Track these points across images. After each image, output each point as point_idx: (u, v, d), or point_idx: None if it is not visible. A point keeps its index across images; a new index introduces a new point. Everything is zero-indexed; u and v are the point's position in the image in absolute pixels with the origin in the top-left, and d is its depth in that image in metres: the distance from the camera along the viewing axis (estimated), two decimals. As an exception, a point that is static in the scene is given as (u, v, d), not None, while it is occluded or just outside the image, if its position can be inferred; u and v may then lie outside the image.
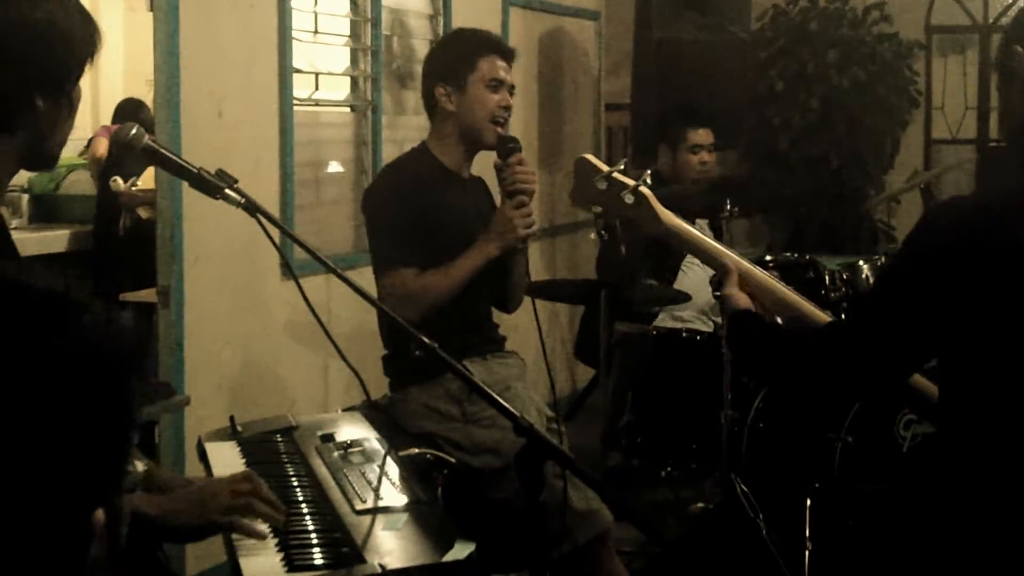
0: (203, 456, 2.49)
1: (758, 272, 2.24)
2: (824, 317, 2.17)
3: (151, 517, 1.93)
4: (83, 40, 1.77)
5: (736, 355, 2.98)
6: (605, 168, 2.36)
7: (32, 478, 0.91)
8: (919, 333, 1.88)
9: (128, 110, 6.49)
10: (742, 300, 2.17)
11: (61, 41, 1.74)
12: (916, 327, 1.87)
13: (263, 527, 1.98)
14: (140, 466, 2.07)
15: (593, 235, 3.22)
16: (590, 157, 2.42)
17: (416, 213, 3.24)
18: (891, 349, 1.90)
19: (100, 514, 0.95)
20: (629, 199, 2.29)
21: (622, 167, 2.38)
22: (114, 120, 6.57)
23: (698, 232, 2.37)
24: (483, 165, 3.46)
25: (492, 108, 3.31)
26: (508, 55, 3.41)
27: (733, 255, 2.31)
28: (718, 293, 4.30)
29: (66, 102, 1.79)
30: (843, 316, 4.14)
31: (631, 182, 2.32)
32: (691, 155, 4.92)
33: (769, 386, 3.73)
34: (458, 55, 3.35)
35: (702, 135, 4.94)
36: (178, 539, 2.03)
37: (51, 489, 0.92)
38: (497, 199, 3.42)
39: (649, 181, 2.34)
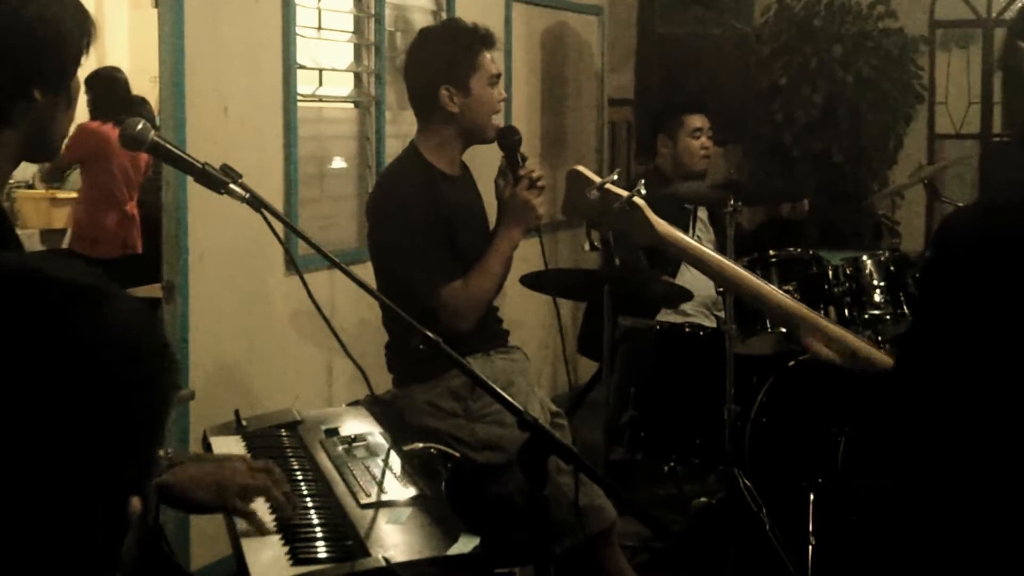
0: (208, 450, 2.50)
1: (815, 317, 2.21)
2: (884, 357, 2.13)
3: (166, 484, 1.95)
4: (78, 32, 1.79)
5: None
6: (597, 179, 2.36)
7: (68, 466, 0.92)
8: (965, 351, 1.84)
9: (132, 107, 6.51)
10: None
11: (55, 34, 1.75)
12: (961, 347, 1.84)
13: (270, 524, 2.00)
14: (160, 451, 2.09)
15: (586, 246, 3.22)
16: (582, 169, 2.42)
17: (436, 228, 3.23)
18: (945, 376, 1.87)
19: (137, 503, 0.96)
20: (622, 210, 2.29)
21: (615, 177, 2.38)
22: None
23: (694, 241, 2.38)
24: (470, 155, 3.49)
25: (494, 106, 3.32)
26: (495, 44, 3.40)
27: (735, 266, 2.31)
28: (720, 290, 4.31)
29: (64, 94, 1.81)
30: (847, 312, 4.17)
31: (624, 193, 2.32)
32: (692, 140, 4.87)
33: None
34: (457, 55, 3.29)
35: (700, 120, 4.91)
36: (186, 509, 2.06)
37: (87, 476, 0.93)
38: (482, 187, 3.45)
39: (643, 191, 2.33)
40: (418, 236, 3.20)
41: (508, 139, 3.33)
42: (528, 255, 3.60)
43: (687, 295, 4.16)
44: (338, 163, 4.83)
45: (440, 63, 3.31)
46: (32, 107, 1.76)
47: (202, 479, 2.00)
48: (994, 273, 1.80)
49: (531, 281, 3.92)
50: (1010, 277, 1.80)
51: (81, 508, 0.93)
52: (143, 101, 6.60)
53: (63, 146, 1.93)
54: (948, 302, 1.84)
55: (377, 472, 2.20)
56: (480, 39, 3.33)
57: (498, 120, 3.39)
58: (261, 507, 2.04)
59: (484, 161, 3.61)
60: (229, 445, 2.49)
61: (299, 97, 4.38)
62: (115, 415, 0.94)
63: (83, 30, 1.80)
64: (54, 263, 0.99)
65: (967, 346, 1.82)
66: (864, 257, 4.33)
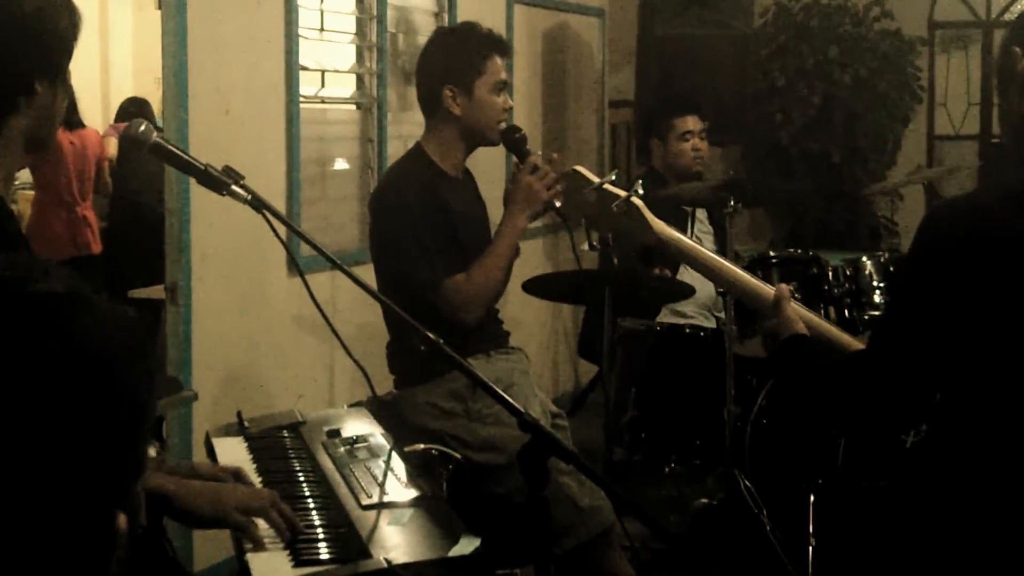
0: (210, 451, 2.51)
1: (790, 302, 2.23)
2: (853, 342, 2.16)
3: (168, 493, 1.96)
4: (70, 24, 1.82)
5: (783, 380, 2.93)
6: (596, 179, 2.37)
7: (50, 480, 0.90)
8: (940, 344, 1.87)
9: (131, 110, 6.54)
10: (797, 324, 2.15)
11: (52, 27, 1.79)
12: (936, 339, 1.86)
13: (269, 538, 1.99)
14: (152, 451, 2.10)
15: (585, 246, 3.22)
16: (581, 169, 2.43)
17: (438, 224, 3.24)
18: (917, 366, 1.89)
19: (123, 519, 0.96)
20: (620, 210, 2.30)
21: (613, 178, 2.39)
22: (117, 119, 6.62)
23: (692, 242, 2.39)
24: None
25: (498, 112, 3.32)
26: (508, 52, 3.41)
27: (734, 266, 2.33)
28: (720, 291, 4.31)
29: (61, 86, 1.83)
30: (847, 313, 4.17)
31: (622, 193, 2.33)
32: (682, 143, 4.86)
33: (814, 418, 3.72)
34: (465, 57, 3.31)
35: (691, 122, 4.88)
36: (186, 522, 2.06)
37: (70, 489, 0.91)
38: (486, 190, 3.45)
39: (641, 191, 2.34)
40: (420, 230, 3.21)
41: (511, 137, 3.34)
42: (531, 259, 3.60)
43: (688, 290, 4.17)
44: (340, 164, 4.84)
45: (446, 63, 3.33)
46: (34, 100, 1.79)
47: (202, 492, 2.01)
48: (977, 265, 1.82)
49: (532, 287, 3.93)
50: (992, 270, 1.81)
51: (65, 521, 0.91)
52: (144, 102, 6.62)
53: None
54: (929, 291, 1.86)
55: (379, 473, 2.21)
56: (491, 44, 3.34)
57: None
58: (260, 525, 2.04)
59: (484, 163, 3.61)
60: (231, 446, 2.50)
61: (301, 98, 4.39)
62: (94, 425, 0.92)
63: (74, 24, 1.83)
64: (33, 268, 0.97)
65: (945, 334, 1.85)
66: (864, 258, 4.33)
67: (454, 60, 3.31)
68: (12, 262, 0.98)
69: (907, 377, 1.90)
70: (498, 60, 3.33)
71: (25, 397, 0.90)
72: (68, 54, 1.84)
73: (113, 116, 6.95)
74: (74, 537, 0.92)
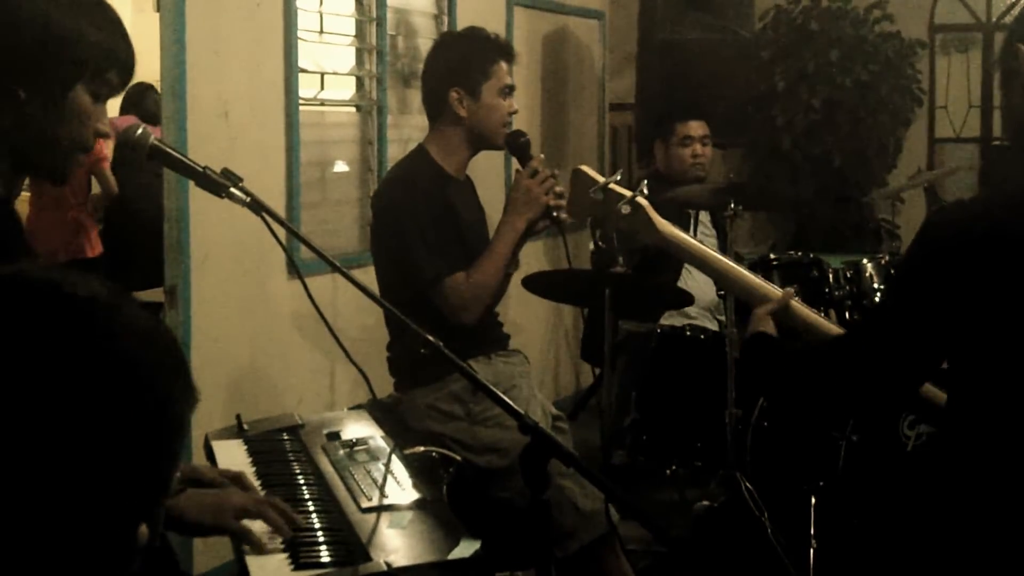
0: (210, 454, 2.50)
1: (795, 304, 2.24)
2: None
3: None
4: (86, 44, 1.75)
5: (747, 374, 2.94)
6: (601, 179, 2.37)
7: (77, 486, 0.89)
8: (928, 340, 1.87)
9: (135, 95, 6.51)
10: (764, 324, 2.16)
11: (53, 39, 1.72)
12: (924, 334, 1.86)
13: (269, 542, 1.99)
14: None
15: (592, 246, 3.23)
16: (586, 168, 2.43)
17: (441, 222, 3.24)
18: (901, 357, 1.89)
19: (145, 530, 0.94)
20: (626, 210, 2.30)
21: (618, 178, 2.39)
22: (123, 105, 6.59)
23: (696, 242, 2.38)
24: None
25: (503, 115, 3.33)
26: (514, 58, 3.43)
27: (738, 267, 2.32)
28: (722, 292, 4.32)
29: (60, 101, 1.76)
30: (847, 315, 4.17)
31: (627, 193, 2.33)
32: (682, 148, 4.88)
33: (781, 402, 3.72)
34: (473, 61, 3.32)
35: (693, 127, 4.90)
36: (186, 532, 2.05)
37: (97, 497, 0.90)
38: (485, 195, 3.44)
39: (646, 191, 2.34)
40: (425, 226, 3.21)
41: (516, 142, 3.35)
42: (532, 260, 3.59)
43: (689, 298, 4.16)
44: (340, 167, 4.83)
45: (453, 65, 3.35)
46: (15, 106, 1.73)
47: (200, 501, 2.00)
48: (979, 266, 1.81)
49: (532, 284, 3.91)
50: (994, 272, 1.81)
51: (88, 529, 0.90)
52: (148, 87, 6.59)
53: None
54: (925, 287, 1.85)
55: (379, 476, 2.20)
56: (498, 49, 3.37)
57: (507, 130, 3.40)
58: (260, 527, 2.03)
59: (485, 168, 3.61)
60: (231, 449, 2.49)
61: (301, 101, 4.38)
62: (130, 436, 0.91)
63: (100, 46, 1.76)
64: (71, 275, 0.96)
65: (936, 333, 1.85)
66: (864, 260, 4.33)
67: (461, 63, 3.33)
68: (48, 265, 0.96)
69: (885, 364, 1.90)
70: (504, 65, 3.35)
71: (58, 400, 0.88)
72: (73, 70, 1.75)
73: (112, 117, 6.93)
74: (94, 546, 0.91)
